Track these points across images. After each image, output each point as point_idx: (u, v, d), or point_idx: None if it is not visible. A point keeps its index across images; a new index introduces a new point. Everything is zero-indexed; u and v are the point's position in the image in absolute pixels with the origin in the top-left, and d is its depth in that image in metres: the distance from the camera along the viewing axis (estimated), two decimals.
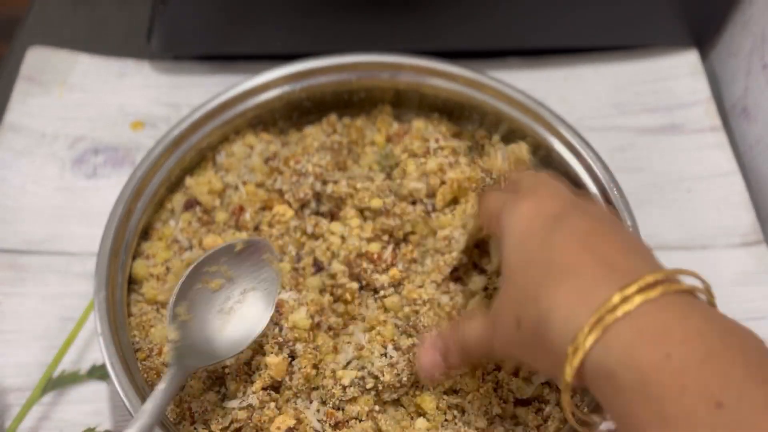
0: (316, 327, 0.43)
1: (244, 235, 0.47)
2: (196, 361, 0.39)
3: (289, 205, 0.48)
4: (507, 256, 0.35)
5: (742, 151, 0.62)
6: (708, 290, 0.31)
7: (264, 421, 0.40)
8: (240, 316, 0.41)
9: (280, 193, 0.48)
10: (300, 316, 0.42)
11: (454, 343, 0.37)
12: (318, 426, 0.40)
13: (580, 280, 0.30)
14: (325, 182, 0.48)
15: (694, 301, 0.30)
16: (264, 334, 0.42)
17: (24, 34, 0.68)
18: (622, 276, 0.29)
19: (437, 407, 0.41)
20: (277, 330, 0.42)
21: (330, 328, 0.44)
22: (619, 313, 0.28)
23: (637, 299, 0.28)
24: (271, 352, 0.42)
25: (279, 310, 0.43)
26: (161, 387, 0.37)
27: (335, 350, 0.43)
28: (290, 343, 0.42)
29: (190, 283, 0.40)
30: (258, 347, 0.43)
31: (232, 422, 0.40)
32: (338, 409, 0.41)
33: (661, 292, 0.28)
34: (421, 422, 0.40)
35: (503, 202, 0.38)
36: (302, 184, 0.48)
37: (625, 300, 0.28)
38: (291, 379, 0.41)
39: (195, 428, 0.40)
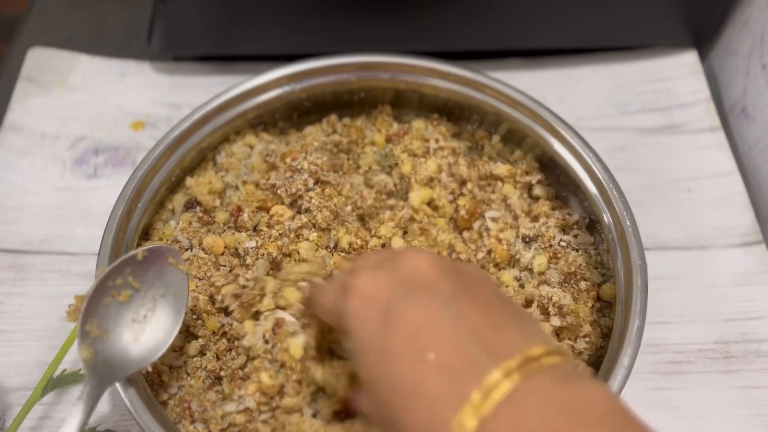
0: (309, 360, 0.42)
1: (243, 236, 0.47)
2: (114, 373, 0.39)
3: (282, 201, 0.48)
4: (357, 368, 0.33)
5: (741, 151, 0.62)
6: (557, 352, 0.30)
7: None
8: (156, 322, 0.41)
9: (274, 189, 0.48)
10: (295, 344, 0.41)
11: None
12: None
13: (424, 401, 0.29)
14: (318, 181, 0.48)
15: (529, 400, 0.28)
16: (255, 346, 0.42)
17: (24, 34, 0.68)
18: (462, 384, 0.28)
19: None
20: (269, 346, 0.42)
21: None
22: (504, 389, 0.27)
23: (477, 417, 0.27)
24: (262, 368, 0.41)
25: (276, 329, 0.43)
26: (79, 405, 0.37)
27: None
28: (277, 363, 0.41)
29: (97, 299, 0.40)
30: (253, 357, 0.43)
31: (230, 425, 0.40)
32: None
33: (497, 401, 0.27)
34: None
35: (333, 297, 0.36)
36: (295, 180, 0.48)
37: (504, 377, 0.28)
38: (282, 397, 0.41)
39: (195, 428, 0.41)
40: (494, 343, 0.30)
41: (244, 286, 0.44)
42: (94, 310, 0.40)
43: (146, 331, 0.41)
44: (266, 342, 0.42)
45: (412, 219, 0.49)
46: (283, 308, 0.43)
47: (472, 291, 0.32)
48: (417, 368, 0.29)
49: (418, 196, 0.49)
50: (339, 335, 0.39)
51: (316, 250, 0.46)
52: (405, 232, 0.48)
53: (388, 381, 0.30)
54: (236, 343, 0.43)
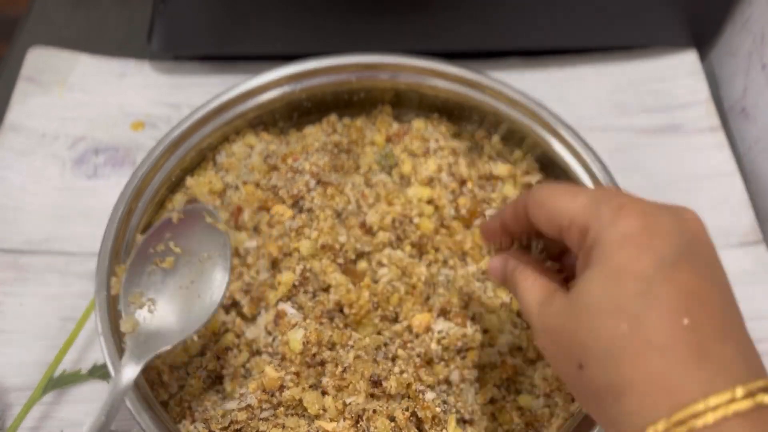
0: (308, 355, 0.42)
1: (243, 236, 0.47)
2: (158, 344, 0.37)
3: (283, 201, 0.48)
4: (594, 288, 0.29)
5: (741, 151, 0.62)
6: None
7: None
8: (203, 287, 0.39)
9: (275, 190, 0.48)
10: (295, 338, 0.41)
11: (509, 281, 0.35)
12: None
13: (669, 363, 0.27)
14: (320, 181, 0.48)
15: None
16: (257, 339, 0.42)
17: (24, 34, 0.68)
18: (714, 372, 0.26)
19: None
20: (270, 339, 0.42)
21: (322, 363, 0.42)
22: (701, 423, 0.25)
23: (724, 411, 0.25)
24: (265, 363, 0.42)
25: (277, 320, 0.43)
26: (126, 375, 0.36)
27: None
28: (279, 356, 0.42)
29: (139, 269, 0.38)
30: (255, 351, 0.43)
31: (231, 423, 0.40)
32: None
33: (752, 406, 0.26)
34: None
35: (587, 203, 0.31)
36: (297, 181, 0.48)
37: (712, 409, 0.25)
38: (281, 394, 0.41)
39: (195, 428, 0.41)
40: (743, 348, 0.28)
41: (249, 283, 0.44)
42: (136, 280, 0.38)
43: (194, 298, 0.39)
44: (269, 333, 0.42)
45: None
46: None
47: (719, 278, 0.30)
48: (675, 331, 0.27)
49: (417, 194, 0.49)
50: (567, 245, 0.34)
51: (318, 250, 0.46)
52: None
53: (635, 319, 0.27)
54: (239, 339, 0.43)
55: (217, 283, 0.39)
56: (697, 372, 0.26)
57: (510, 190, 0.51)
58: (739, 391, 0.26)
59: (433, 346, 0.42)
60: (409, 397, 0.40)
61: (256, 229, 0.48)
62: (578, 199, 0.31)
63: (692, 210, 0.32)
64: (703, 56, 0.67)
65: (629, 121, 0.62)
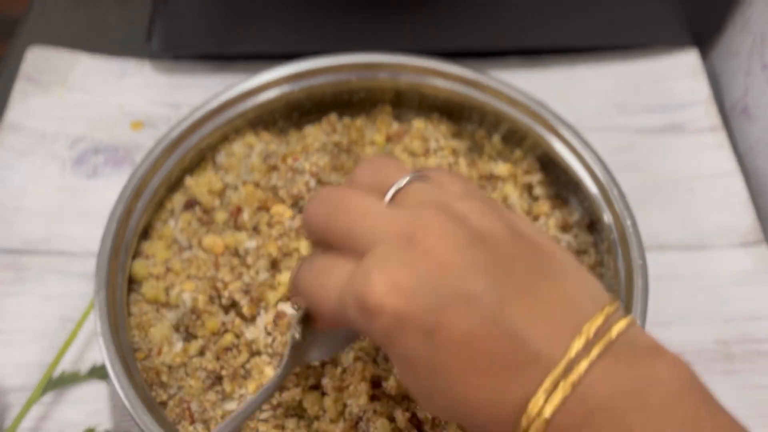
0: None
1: (243, 236, 0.47)
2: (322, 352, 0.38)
3: (283, 201, 0.48)
4: (400, 377, 0.31)
5: (742, 151, 0.62)
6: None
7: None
8: None
9: (275, 190, 0.48)
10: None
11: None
12: None
13: (490, 406, 0.27)
14: (320, 181, 0.48)
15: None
16: (257, 340, 0.42)
17: (24, 33, 0.68)
18: (525, 379, 0.26)
19: None
20: (270, 340, 0.42)
21: (322, 364, 0.42)
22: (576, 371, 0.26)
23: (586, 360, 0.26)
24: (266, 363, 0.42)
25: (276, 321, 0.43)
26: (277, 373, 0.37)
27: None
28: (278, 357, 0.42)
29: None
30: (255, 352, 0.43)
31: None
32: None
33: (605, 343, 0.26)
34: None
35: (344, 313, 0.28)
36: (297, 181, 0.48)
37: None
38: (281, 395, 0.41)
39: (194, 428, 0.40)
40: (550, 329, 0.27)
41: (248, 284, 0.44)
42: None
43: None
44: (268, 334, 0.42)
45: None
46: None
47: (507, 270, 0.28)
48: (473, 379, 0.27)
49: None
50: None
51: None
52: None
53: (441, 392, 0.28)
54: (239, 340, 0.43)
55: None
56: (516, 383, 0.27)
57: (510, 190, 0.51)
58: (597, 321, 0.27)
59: None
60: (409, 399, 0.40)
61: (256, 229, 0.47)
62: (330, 296, 0.29)
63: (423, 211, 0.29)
64: (704, 56, 0.67)
65: (629, 121, 0.62)
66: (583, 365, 0.26)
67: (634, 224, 0.46)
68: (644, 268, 0.44)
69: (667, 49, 0.66)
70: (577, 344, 0.26)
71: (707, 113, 0.63)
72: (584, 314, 0.27)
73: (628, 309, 0.43)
